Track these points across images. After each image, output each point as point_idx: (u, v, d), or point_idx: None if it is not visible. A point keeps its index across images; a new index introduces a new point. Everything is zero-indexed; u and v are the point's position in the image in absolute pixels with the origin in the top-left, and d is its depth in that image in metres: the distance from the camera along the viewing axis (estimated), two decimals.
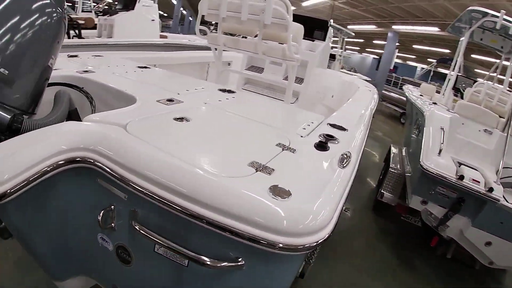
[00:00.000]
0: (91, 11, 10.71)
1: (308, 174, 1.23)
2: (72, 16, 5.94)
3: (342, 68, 13.83)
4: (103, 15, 6.28)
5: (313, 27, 4.74)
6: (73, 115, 1.67)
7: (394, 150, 5.51)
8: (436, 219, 3.19)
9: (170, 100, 1.74)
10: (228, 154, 1.28)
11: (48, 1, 1.29)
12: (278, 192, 0.99)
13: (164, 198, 0.97)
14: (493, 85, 4.67)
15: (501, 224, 2.83)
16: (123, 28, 6.06)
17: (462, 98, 5.93)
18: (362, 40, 24.34)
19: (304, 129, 1.67)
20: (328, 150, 1.42)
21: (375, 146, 8.25)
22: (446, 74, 5.82)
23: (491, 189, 2.73)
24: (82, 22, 5.92)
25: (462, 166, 3.05)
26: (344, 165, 1.30)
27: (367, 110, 2.76)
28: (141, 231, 1.06)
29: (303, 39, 4.12)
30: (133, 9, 6.32)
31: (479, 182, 2.81)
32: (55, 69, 2.12)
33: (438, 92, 10.42)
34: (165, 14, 33.98)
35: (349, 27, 18.21)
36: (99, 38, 6.31)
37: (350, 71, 19.08)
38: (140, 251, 1.21)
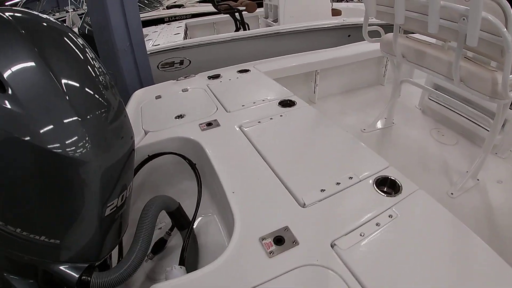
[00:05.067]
0: None
1: None
2: (230, 3, 5.37)
3: None
4: None
5: None
6: (176, 216, 1.37)
7: None
8: None
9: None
10: None
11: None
12: None
13: None
14: None
15: None
16: (288, 8, 5.33)
17: None
18: None
19: None
20: None
21: None
22: None
23: None
24: (243, 8, 5.33)
25: None
26: None
27: None
28: None
29: None
30: None
31: None
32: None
33: None
34: None
35: None
36: (266, 19, 5.86)
37: None
38: None
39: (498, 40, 1.48)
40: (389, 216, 1.15)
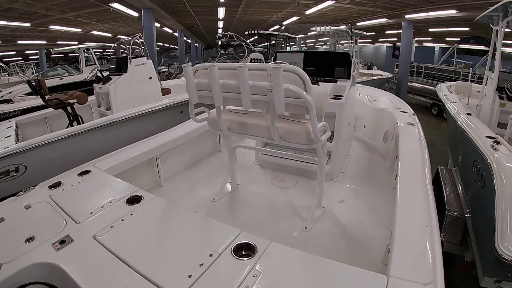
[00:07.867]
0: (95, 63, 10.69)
1: None
2: (60, 97, 5.19)
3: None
4: (97, 82, 5.88)
5: (333, 64, 3.68)
6: None
7: (444, 175, 4.69)
8: None
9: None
10: None
11: None
12: None
13: None
14: None
15: None
16: (120, 95, 5.58)
17: (509, 99, 5.09)
18: (372, 33, 23.25)
19: None
20: None
21: None
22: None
23: None
24: (74, 101, 5.28)
25: None
26: None
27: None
28: None
29: (322, 81, 3.50)
30: (126, 72, 5.77)
31: None
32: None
33: (471, 79, 9.43)
34: (171, 46, 34.36)
35: (358, 24, 17.30)
36: (98, 108, 5.96)
37: (366, 65, 18.07)
38: None
39: (303, 101, 1.82)
40: (254, 276, 1.29)
